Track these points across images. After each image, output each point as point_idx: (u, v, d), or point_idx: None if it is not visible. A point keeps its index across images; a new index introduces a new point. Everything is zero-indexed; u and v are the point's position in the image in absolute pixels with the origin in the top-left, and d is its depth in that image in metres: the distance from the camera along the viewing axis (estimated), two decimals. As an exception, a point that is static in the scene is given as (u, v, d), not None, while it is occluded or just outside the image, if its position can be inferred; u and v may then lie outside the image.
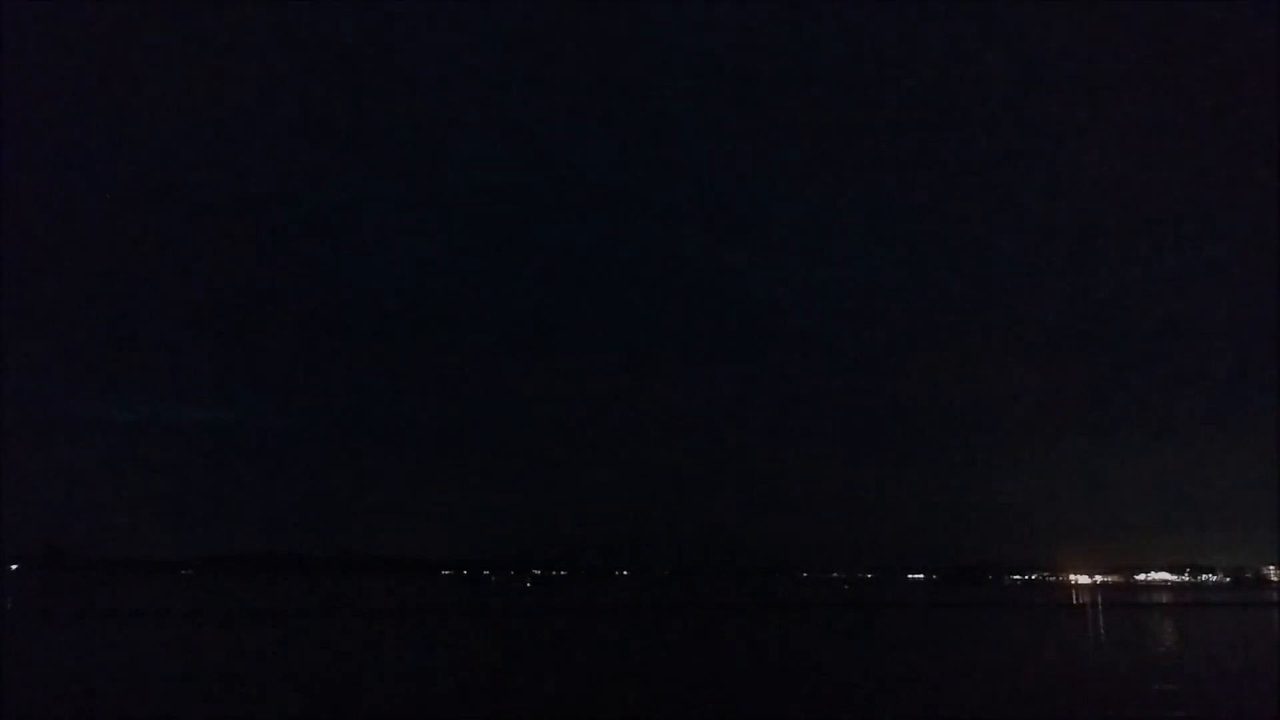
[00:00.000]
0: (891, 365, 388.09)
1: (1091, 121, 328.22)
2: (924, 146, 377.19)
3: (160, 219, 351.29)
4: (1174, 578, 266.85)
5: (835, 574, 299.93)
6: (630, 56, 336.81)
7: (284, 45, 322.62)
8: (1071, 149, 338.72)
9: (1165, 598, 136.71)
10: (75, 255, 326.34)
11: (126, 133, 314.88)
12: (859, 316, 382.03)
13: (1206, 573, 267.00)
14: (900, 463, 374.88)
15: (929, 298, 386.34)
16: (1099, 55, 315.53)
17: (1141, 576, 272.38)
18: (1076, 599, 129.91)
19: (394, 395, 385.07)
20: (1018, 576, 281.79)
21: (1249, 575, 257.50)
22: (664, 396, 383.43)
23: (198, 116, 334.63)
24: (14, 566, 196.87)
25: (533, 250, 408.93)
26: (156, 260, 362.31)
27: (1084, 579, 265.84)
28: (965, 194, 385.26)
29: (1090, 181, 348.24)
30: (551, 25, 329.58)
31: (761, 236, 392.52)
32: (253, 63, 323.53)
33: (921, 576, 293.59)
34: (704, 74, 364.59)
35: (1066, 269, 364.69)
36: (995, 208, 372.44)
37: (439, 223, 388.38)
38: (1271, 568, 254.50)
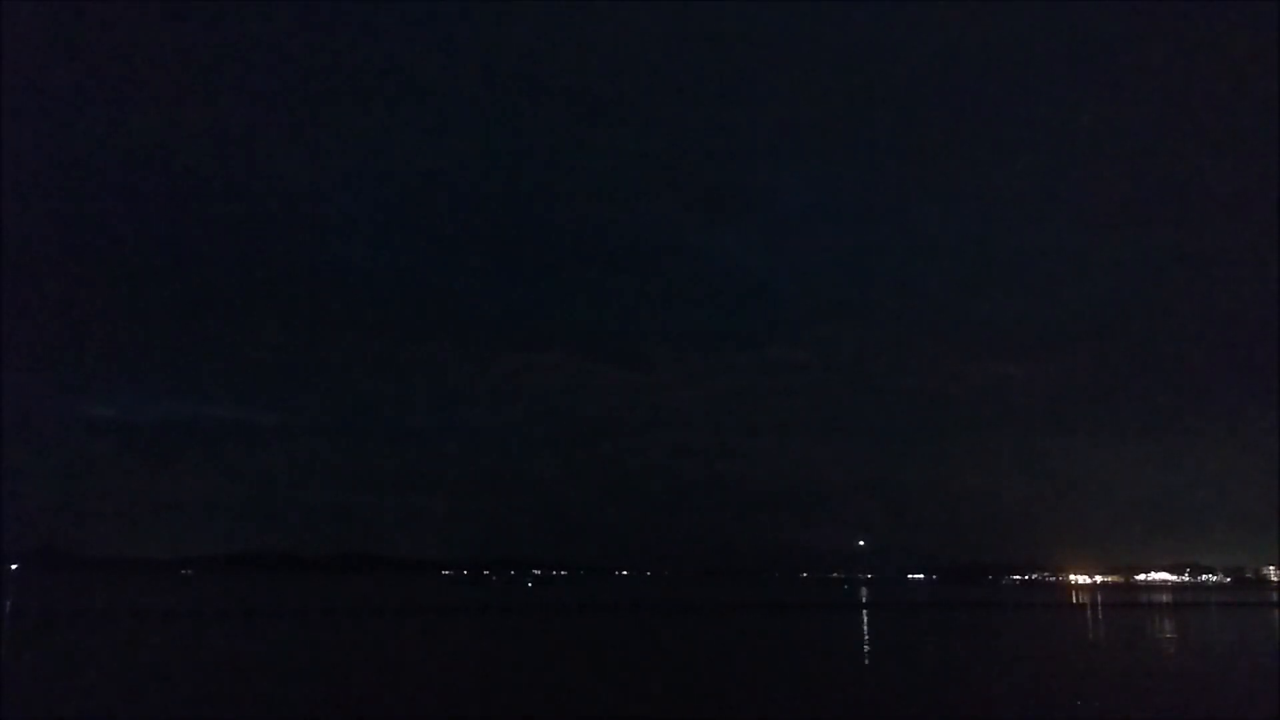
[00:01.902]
0: (890, 360, 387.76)
1: (1094, 116, 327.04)
2: (922, 135, 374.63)
3: (161, 220, 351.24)
4: (1174, 578, 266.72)
5: (835, 574, 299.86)
6: (619, 35, 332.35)
7: (273, 34, 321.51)
8: (1076, 142, 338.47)
9: (1165, 598, 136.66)
10: (76, 256, 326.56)
11: (125, 134, 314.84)
12: (856, 307, 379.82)
13: (1206, 573, 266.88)
14: (901, 462, 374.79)
15: (927, 289, 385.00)
16: (1101, 50, 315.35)
17: (1141, 576, 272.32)
18: (1076, 599, 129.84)
19: (394, 395, 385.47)
20: (1017, 576, 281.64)
21: (1249, 575, 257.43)
22: (660, 392, 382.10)
23: (193, 117, 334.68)
24: (14, 566, 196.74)
25: (525, 240, 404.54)
26: (157, 261, 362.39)
27: (1084, 579, 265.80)
28: (966, 183, 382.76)
29: (1094, 176, 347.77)
30: (541, 7, 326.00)
31: (754, 219, 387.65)
32: (243, 57, 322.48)
33: (921, 576, 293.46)
34: (693, 51, 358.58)
35: (1068, 265, 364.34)
36: (998, 199, 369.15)
37: (433, 214, 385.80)
38: (1271, 568, 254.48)
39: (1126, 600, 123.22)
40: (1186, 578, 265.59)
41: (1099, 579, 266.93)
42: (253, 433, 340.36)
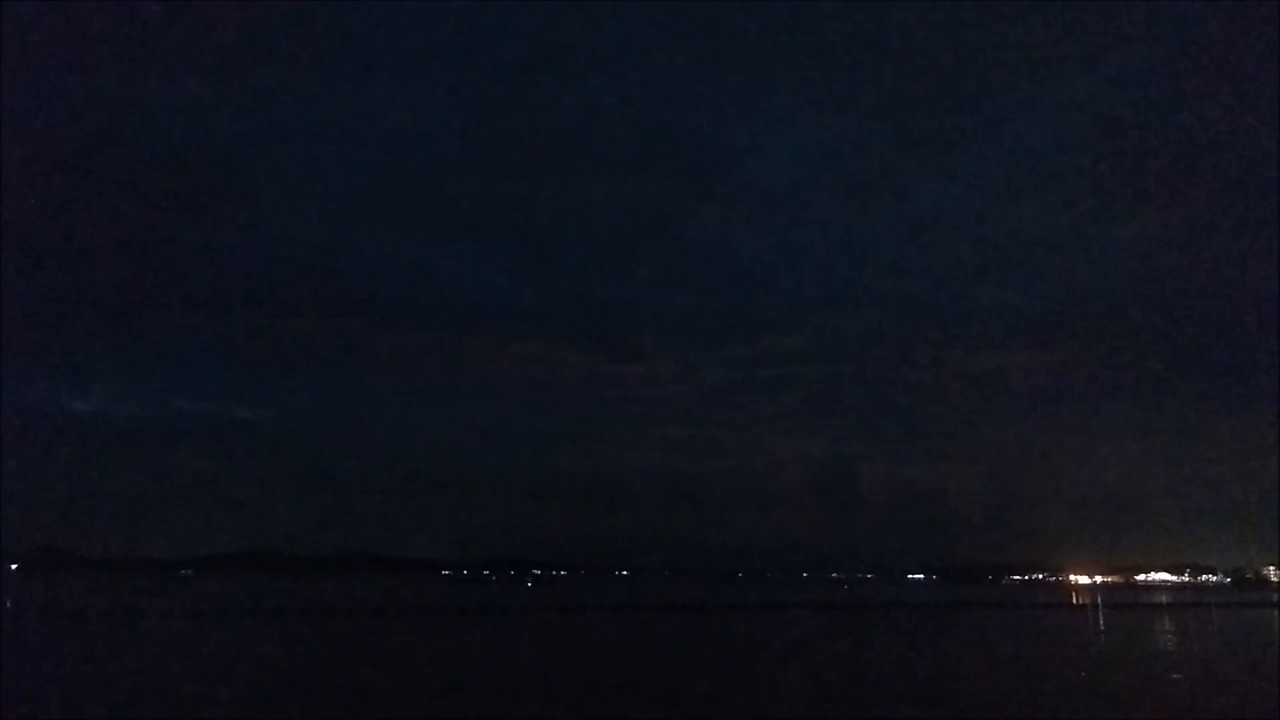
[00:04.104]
0: (890, 350, 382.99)
1: (1096, 98, 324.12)
2: (913, 112, 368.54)
3: (160, 218, 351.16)
4: (1174, 578, 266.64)
5: (835, 574, 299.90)
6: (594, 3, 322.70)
7: (254, 22, 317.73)
8: (1076, 125, 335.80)
9: (1165, 598, 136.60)
10: (75, 255, 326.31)
11: (110, 129, 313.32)
12: (853, 293, 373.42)
13: (1206, 573, 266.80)
14: (901, 459, 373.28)
15: (926, 275, 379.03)
16: (1103, 31, 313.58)
17: (1141, 577, 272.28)
18: (1076, 599, 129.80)
19: (395, 394, 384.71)
20: (1017, 576, 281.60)
21: (1249, 575, 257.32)
22: (653, 385, 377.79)
23: (175, 108, 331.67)
24: (14, 566, 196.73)
25: (509, 224, 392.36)
26: (158, 259, 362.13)
27: (1084, 579, 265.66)
28: (962, 163, 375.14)
29: (1092, 166, 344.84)
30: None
31: (741, 195, 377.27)
32: (224, 46, 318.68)
33: (921, 576, 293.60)
34: (676, 17, 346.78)
35: (1068, 251, 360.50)
36: (996, 180, 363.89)
37: (426, 203, 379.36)
38: (1271, 568, 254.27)
39: (1127, 601, 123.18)
40: (1186, 578, 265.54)
41: (1099, 579, 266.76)
42: (254, 433, 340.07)
